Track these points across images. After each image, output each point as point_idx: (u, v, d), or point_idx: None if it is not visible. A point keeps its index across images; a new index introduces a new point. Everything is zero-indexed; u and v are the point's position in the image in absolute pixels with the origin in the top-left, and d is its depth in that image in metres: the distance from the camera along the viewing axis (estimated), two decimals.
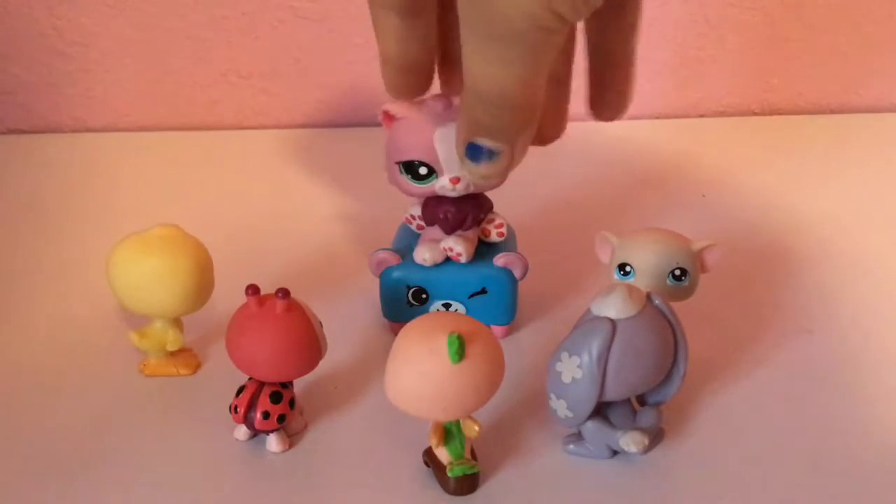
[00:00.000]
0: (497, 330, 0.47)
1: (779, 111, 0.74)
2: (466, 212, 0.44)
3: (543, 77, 0.36)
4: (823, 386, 0.45)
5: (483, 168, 0.37)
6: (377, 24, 0.40)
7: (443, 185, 0.42)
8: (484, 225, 0.46)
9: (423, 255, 0.45)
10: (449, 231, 0.45)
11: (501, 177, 0.39)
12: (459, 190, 0.42)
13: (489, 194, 0.46)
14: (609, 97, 0.42)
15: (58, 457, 0.40)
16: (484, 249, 0.46)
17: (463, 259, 0.45)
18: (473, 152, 0.37)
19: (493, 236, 0.46)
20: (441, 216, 0.44)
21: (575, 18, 0.33)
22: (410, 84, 0.41)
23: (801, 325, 0.49)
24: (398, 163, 0.43)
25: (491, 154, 0.37)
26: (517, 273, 0.46)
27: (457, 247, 0.44)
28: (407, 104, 0.42)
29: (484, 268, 0.45)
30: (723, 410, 0.43)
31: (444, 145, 0.41)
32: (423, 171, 0.42)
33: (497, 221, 0.46)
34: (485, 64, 0.34)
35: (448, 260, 0.45)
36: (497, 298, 0.46)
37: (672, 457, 0.40)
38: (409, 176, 0.43)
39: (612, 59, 0.41)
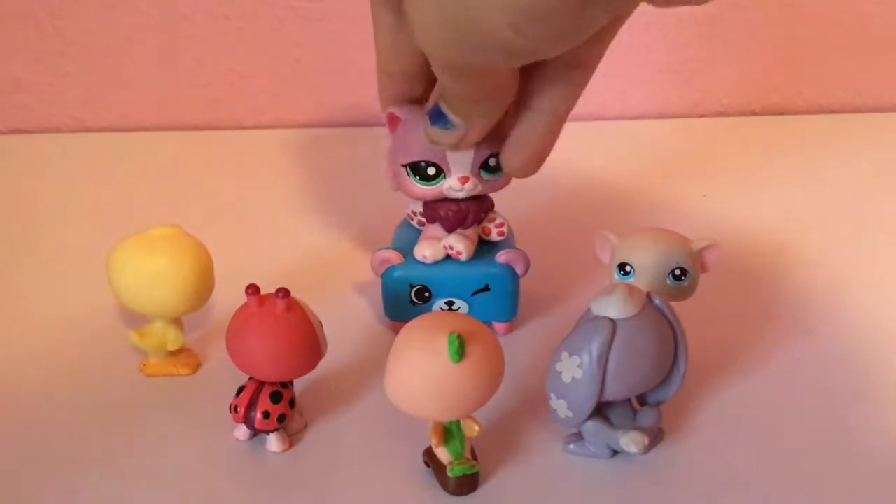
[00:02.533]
0: (499, 326, 0.47)
1: (779, 111, 0.74)
2: (467, 210, 0.44)
3: (503, 80, 0.37)
4: (824, 386, 0.45)
5: (435, 132, 0.39)
6: (375, 22, 0.40)
7: (451, 185, 0.42)
8: (485, 224, 0.46)
9: (424, 252, 0.45)
10: (450, 229, 0.45)
11: (449, 146, 0.40)
12: (468, 189, 0.42)
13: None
14: (521, 155, 0.41)
15: (58, 456, 0.40)
16: (485, 247, 0.46)
17: (463, 257, 0.45)
18: (435, 115, 0.39)
19: (494, 235, 0.46)
20: (442, 214, 0.44)
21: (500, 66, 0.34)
22: (402, 92, 0.41)
23: (801, 325, 0.49)
24: (405, 165, 0.43)
25: (447, 122, 0.39)
26: (519, 269, 0.46)
27: (457, 245, 0.44)
28: (412, 106, 0.42)
29: (486, 265, 0.45)
30: (723, 410, 0.43)
31: None
32: (431, 171, 0.42)
33: (498, 220, 0.46)
34: (440, 74, 0.36)
35: (448, 258, 0.45)
36: (499, 295, 0.46)
37: (672, 457, 0.40)
38: (417, 177, 0.43)
39: (542, 122, 0.40)
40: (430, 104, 0.39)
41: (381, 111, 0.43)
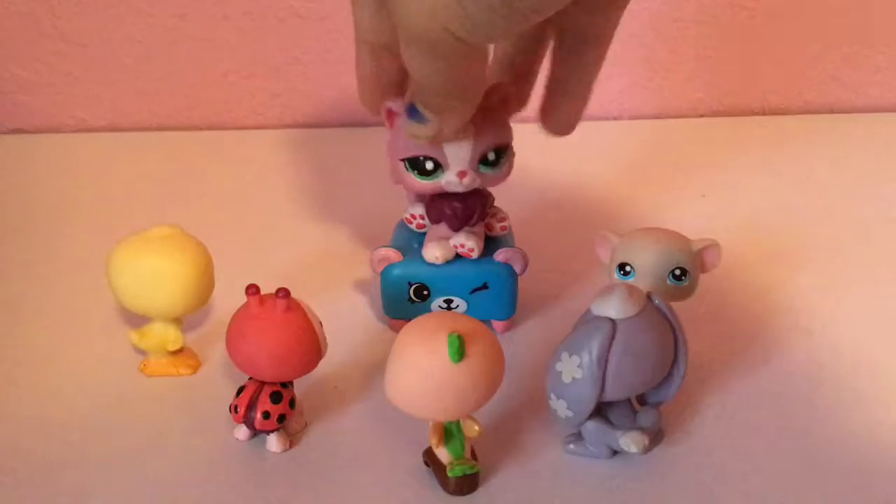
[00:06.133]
0: (497, 325, 0.47)
1: (779, 111, 0.74)
2: (474, 207, 0.44)
3: (469, 76, 0.37)
4: (823, 386, 0.45)
5: (412, 125, 0.40)
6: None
7: (449, 179, 0.42)
8: (487, 219, 0.46)
9: (435, 253, 0.45)
10: (457, 227, 0.44)
11: (428, 139, 0.41)
12: (466, 184, 0.42)
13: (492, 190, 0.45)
14: (555, 118, 0.44)
15: (57, 456, 0.40)
16: (484, 245, 0.46)
17: (475, 254, 0.45)
18: (410, 110, 0.40)
19: (497, 230, 0.46)
20: (449, 212, 0.44)
21: (474, 41, 0.34)
22: (384, 67, 0.41)
23: (801, 325, 0.49)
24: (403, 160, 0.43)
25: (421, 118, 0.40)
26: (517, 268, 0.46)
27: (468, 243, 0.44)
28: None
29: (485, 263, 0.46)
30: (723, 410, 0.43)
31: None
32: (429, 166, 0.42)
33: (500, 215, 0.46)
34: (410, 57, 0.36)
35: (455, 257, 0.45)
36: (498, 293, 0.46)
37: (672, 457, 0.40)
38: (416, 172, 0.43)
39: (566, 90, 0.43)
40: (406, 101, 0.40)
41: (359, 91, 0.43)
